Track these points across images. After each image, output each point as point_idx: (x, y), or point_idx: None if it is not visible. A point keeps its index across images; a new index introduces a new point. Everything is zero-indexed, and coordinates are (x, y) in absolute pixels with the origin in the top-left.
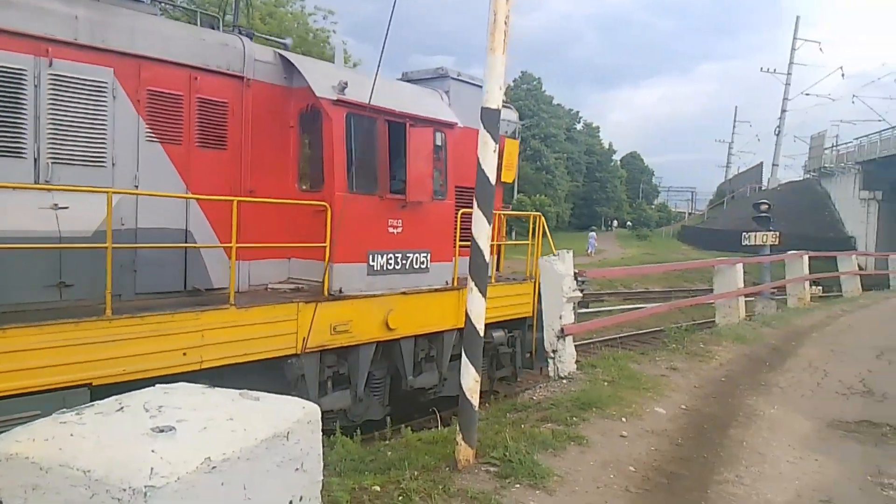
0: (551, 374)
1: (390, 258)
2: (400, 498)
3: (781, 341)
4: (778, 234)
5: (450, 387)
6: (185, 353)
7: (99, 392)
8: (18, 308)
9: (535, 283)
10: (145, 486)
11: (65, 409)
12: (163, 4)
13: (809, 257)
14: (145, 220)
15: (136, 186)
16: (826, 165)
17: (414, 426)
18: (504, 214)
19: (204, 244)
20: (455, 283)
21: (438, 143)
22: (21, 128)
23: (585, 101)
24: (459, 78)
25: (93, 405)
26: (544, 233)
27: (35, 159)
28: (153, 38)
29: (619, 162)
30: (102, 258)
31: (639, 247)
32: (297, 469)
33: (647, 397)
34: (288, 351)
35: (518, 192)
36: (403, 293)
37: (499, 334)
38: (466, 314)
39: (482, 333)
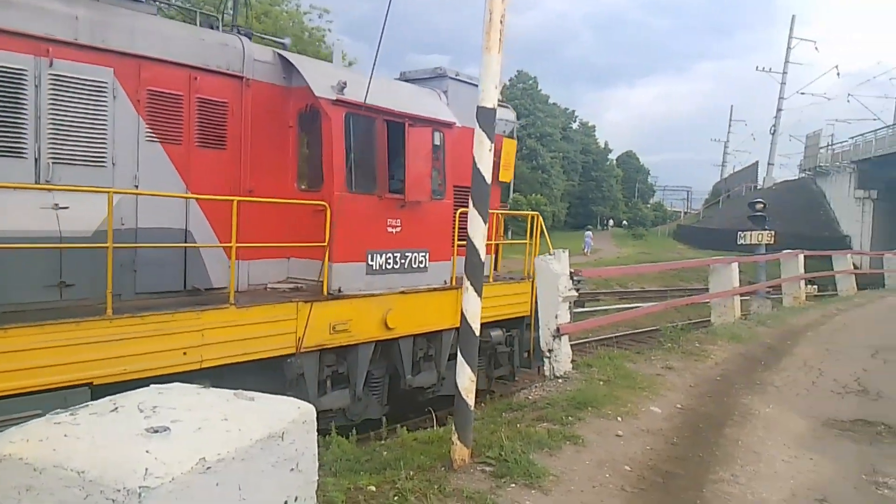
0: (547, 373)
1: (389, 258)
2: (395, 498)
3: (777, 340)
4: (773, 233)
5: (448, 386)
6: (185, 353)
7: (100, 391)
8: (19, 308)
9: (532, 282)
10: (140, 487)
11: (59, 410)
12: (161, 4)
13: (805, 256)
14: (145, 219)
15: (136, 186)
16: (821, 164)
17: (410, 426)
18: (501, 214)
19: (204, 244)
20: (454, 283)
21: (437, 142)
22: (22, 128)
23: (581, 100)
24: (458, 78)
25: (87, 405)
26: (542, 232)
27: (36, 159)
28: (153, 38)
29: (614, 161)
30: (103, 258)
31: (634, 246)
32: (292, 469)
33: (643, 396)
34: (287, 350)
35: (514, 192)
36: (402, 293)
37: (497, 333)
38: (462, 313)
39: (478, 333)
